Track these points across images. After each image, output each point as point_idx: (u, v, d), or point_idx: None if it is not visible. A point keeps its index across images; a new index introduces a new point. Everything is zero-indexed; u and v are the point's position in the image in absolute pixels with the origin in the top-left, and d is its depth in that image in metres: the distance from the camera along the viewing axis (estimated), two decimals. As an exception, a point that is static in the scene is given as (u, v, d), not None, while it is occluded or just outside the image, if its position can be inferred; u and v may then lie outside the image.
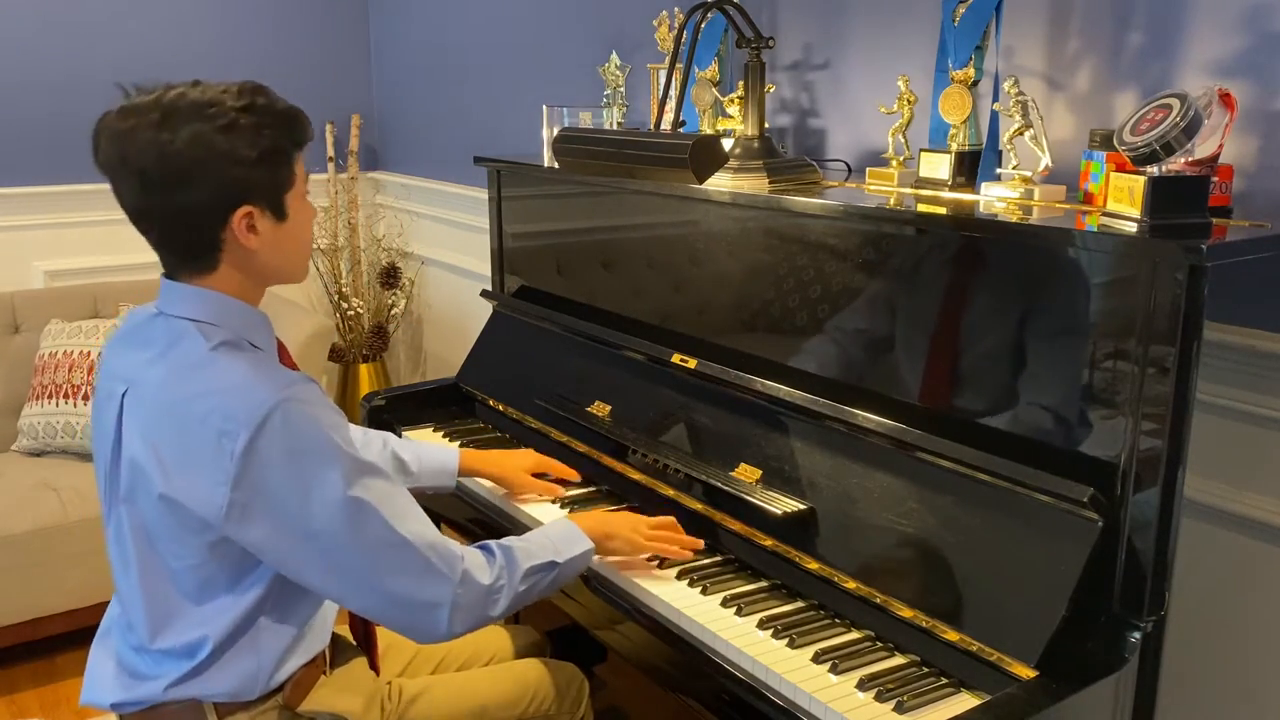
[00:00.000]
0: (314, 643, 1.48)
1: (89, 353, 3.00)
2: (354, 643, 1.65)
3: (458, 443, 2.22)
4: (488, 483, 1.98)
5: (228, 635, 1.37)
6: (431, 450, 1.95)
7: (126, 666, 1.43)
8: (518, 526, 1.88)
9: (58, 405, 2.97)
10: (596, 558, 1.61)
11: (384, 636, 1.66)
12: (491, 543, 1.49)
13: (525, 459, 1.97)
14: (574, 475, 1.97)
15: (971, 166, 1.69)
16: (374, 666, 1.63)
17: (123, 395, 1.36)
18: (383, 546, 1.33)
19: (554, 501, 1.92)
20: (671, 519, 1.71)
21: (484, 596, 1.41)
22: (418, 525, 1.37)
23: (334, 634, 1.58)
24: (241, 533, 1.30)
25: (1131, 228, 1.32)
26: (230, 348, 1.34)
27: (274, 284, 1.43)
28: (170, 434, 1.31)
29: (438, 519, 2.00)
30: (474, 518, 1.97)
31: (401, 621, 1.38)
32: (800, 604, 1.56)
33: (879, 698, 1.32)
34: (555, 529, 1.59)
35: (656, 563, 1.67)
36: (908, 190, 1.75)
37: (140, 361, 1.36)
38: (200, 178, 1.27)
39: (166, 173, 1.26)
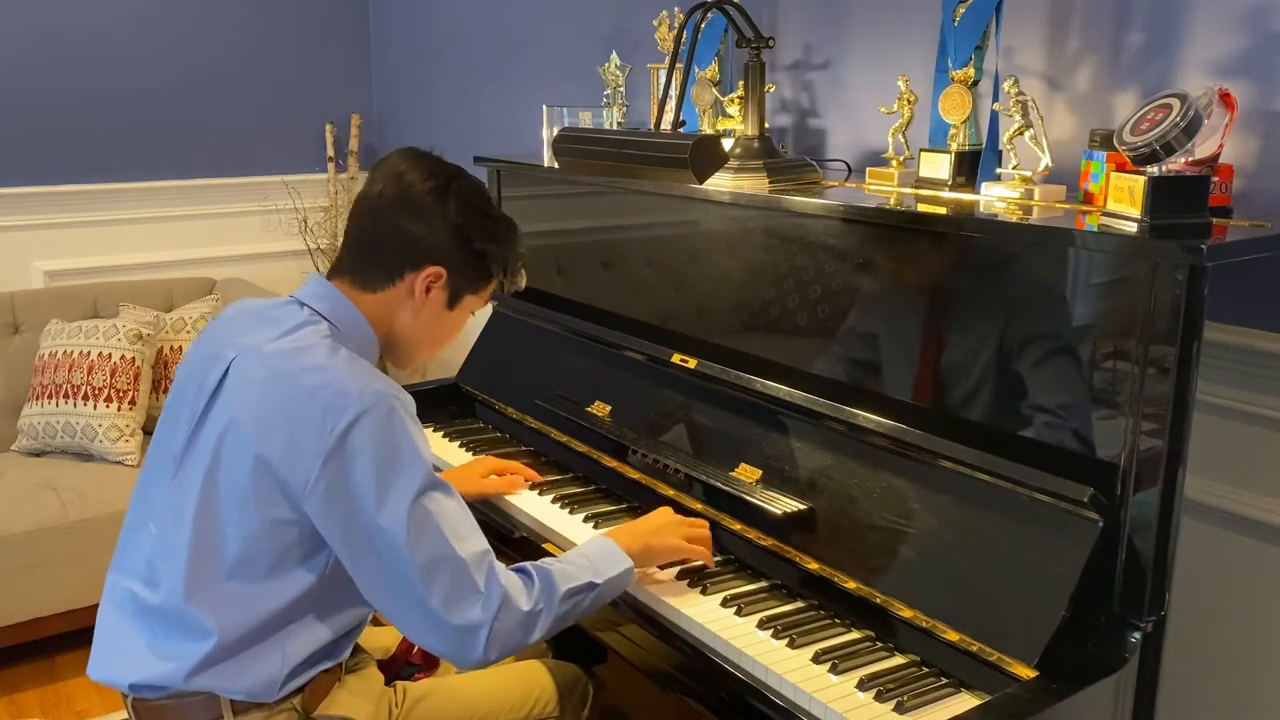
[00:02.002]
0: (339, 653, 1.50)
1: (89, 353, 3.00)
2: (366, 647, 1.65)
3: (457, 443, 2.23)
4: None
5: (245, 630, 1.38)
6: None
7: (150, 638, 1.42)
8: (517, 526, 1.88)
9: (58, 405, 2.97)
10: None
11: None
12: (529, 565, 1.47)
13: (479, 467, 2.00)
14: (534, 477, 1.98)
15: (971, 166, 1.69)
16: (432, 669, 1.68)
17: (231, 360, 1.42)
18: (439, 560, 1.34)
19: (531, 487, 1.95)
20: (705, 526, 1.66)
21: (522, 623, 1.40)
22: (475, 547, 1.39)
23: None
24: (320, 510, 1.34)
25: (1131, 228, 1.32)
26: (351, 352, 1.43)
27: (390, 350, 1.54)
28: (274, 400, 1.37)
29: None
30: (477, 518, 1.97)
31: (439, 638, 1.38)
32: (800, 604, 1.56)
33: (879, 698, 1.32)
34: (593, 548, 1.55)
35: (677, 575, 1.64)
36: (908, 190, 1.75)
37: (260, 337, 1.43)
38: (431, 224, 1.47)
39: (417, 204, 1.46)
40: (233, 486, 1.37)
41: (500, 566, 1.41)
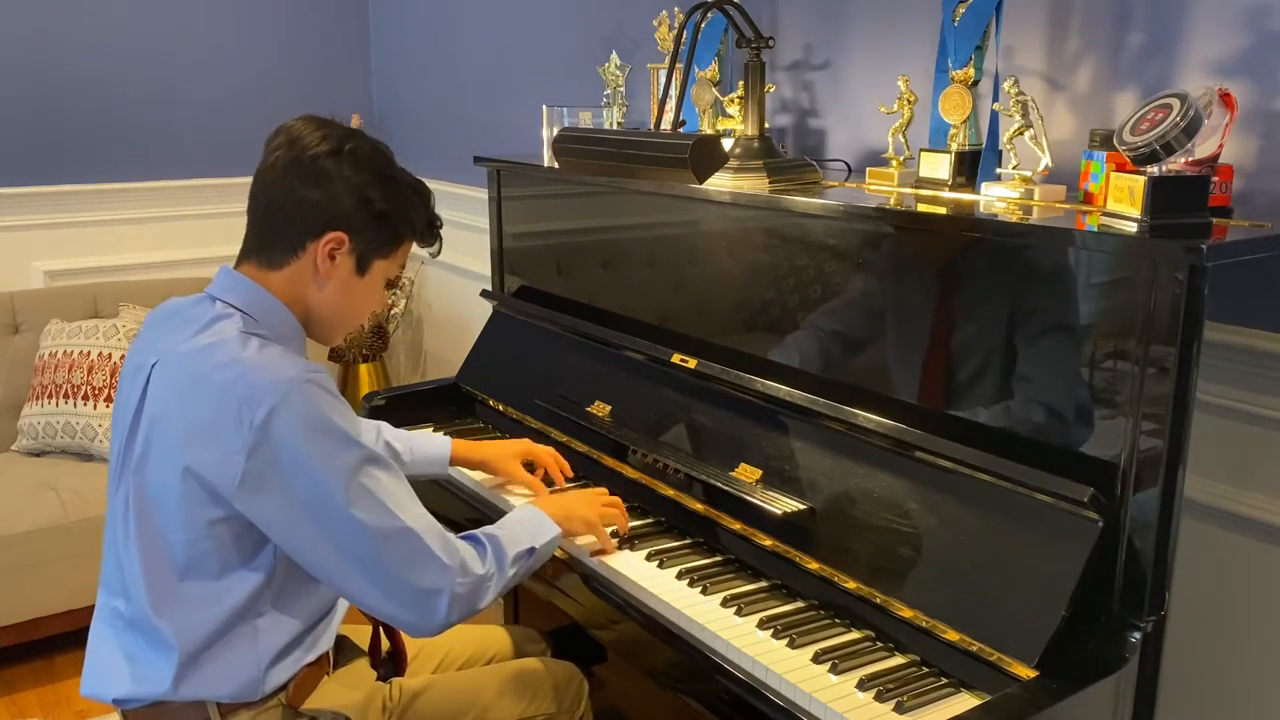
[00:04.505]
0: (318, 644, 1.49)
1: (89, 353, 3.00)
2: (358, 644, 1.65)
3: (457, 442, 2.23)
4: (479, 477, 2.00)
5: (208, 631, 1.38)
6: (424, 440, 1.97)
7: (129, 653, 1.42)
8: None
9: (58, 405, 2.97)
10: (578, 541, 1.68)
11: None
12: (477, 533, 1.53)
13: (515, 446, 1.99)
14: (566, 474, 1.98)
15: (971, 166, 1.69)
16: (400, 672, 1.67)
17: (152, 366, 1.40)
18: (388, 533, 1.36)
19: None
20: (619, 502, 1.76)
21: (478, 585, 1.45)
22: (421, 515, 1.41)
23: (338, 635, 1.58)
24: (254, 505, 1.33)
25: (1131, 228, 1.32)
26: (264, 340, 1.40)
27: (310, 328, 1.49)
28: (193, 401, 1.35)
29: (436, 516, 2.00)
30: (472, 516, 1.97)
31: (402, 607, 1.39)
32: (800, 604, 1.56)
33: (879, 698, 1.32)
34: (525, 516, 1.62)
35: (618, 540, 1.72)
36: (908, 190, 1.75)
37: (176, 338, 1.41)
38: (325, 187, 1.40)
39: (309, 170, 1.40)
40: (163, 493, 1.37)
41: (450, 533, 1.44)
